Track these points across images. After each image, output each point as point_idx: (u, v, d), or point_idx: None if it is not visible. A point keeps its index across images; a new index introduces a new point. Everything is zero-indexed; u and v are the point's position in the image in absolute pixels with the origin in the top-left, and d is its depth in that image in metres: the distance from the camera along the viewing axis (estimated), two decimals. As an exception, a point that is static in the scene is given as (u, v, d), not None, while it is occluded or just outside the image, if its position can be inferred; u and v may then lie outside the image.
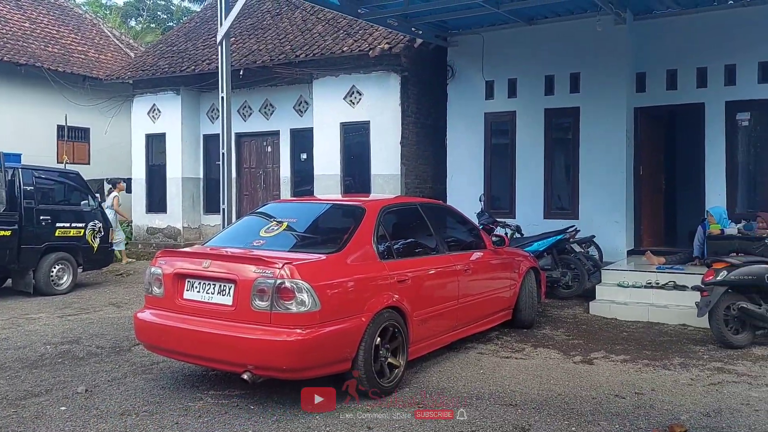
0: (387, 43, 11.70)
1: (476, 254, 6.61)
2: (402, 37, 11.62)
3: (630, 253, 10.08)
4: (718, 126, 9.97)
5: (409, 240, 6.04)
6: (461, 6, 10.04)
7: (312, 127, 12.87)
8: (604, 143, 10.24)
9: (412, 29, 11.16)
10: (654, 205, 11.06)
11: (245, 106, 14.20)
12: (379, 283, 5.08)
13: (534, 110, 11.01)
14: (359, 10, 10.09)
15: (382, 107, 12.09)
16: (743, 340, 6.37)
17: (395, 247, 5.61)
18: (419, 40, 11.65)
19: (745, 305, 6.32)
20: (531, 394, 4.97)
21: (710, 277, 6.46)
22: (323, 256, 4.91)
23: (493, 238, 7.05)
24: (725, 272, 6.40)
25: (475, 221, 9.34)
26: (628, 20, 10.13)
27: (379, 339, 4.89)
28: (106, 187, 15.25)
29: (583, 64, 10.51)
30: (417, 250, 6.00)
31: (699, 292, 6.58)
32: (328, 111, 12.63)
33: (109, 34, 20.82)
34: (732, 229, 8.50)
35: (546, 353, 6.21)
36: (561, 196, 10.97)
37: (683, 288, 7.72)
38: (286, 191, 13.72)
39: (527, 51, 11.03)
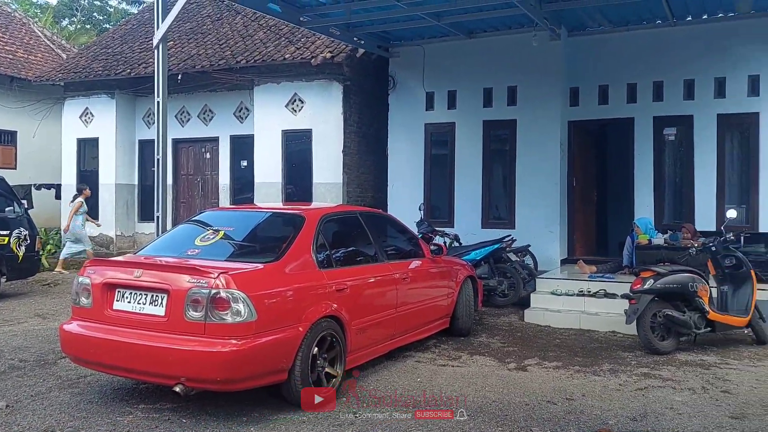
0: (329, 51, 11.70)
1: (415, 263, 6.67)
2: (344, 46, 11.65)
3: (563, 262, 10.38)
4: (646, 140, 10.42)
5: (348, 249, 6.04)
6: (403, 18, 10.17)
7: (253, 134, 12.74)
8: (540, 155, 10.53)
9: (354, 39, 11.21)
10: (586, 216, 11.44)
11: (183, 112, 13.91)
12: (318, 293, 5.05)
13: (473, 122, 11.22)
14: (301, 18, 10.06)
15: (324, 115, 12.08)
16: (668, 346, 6.62)
17: (335, 255, 5.60)
18: (361, 50, 11.70)
19: (670, 312, 6.58)
20: (466, 401, 5.03)
21: (638, 286, 6.70)
22: (260, 266, 4.85)
23: (432, 247, 7.13)
24: (652, 281, 6.66)
25: (415, 230, 9.43)
26: (563, 36, 10.46)
27: (316, 348, 4.85)
28: (35, 192, 14.62)
29: (519, 77, 10.78)
30: (356, 259, 6.01)
31: (627, 300, 6.82)
32: (269, 118, 12.52)
33: (39, 34, 20.00)
34: (659, 240, 8.88)
35: (482, 361, 6.31)
36: (499, 206, 11.20)
37: (613, 296, 7.99)
38: (225, 199, 13.50)
39: (467, 63, 11.25)
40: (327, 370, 4.99)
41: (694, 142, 10.08)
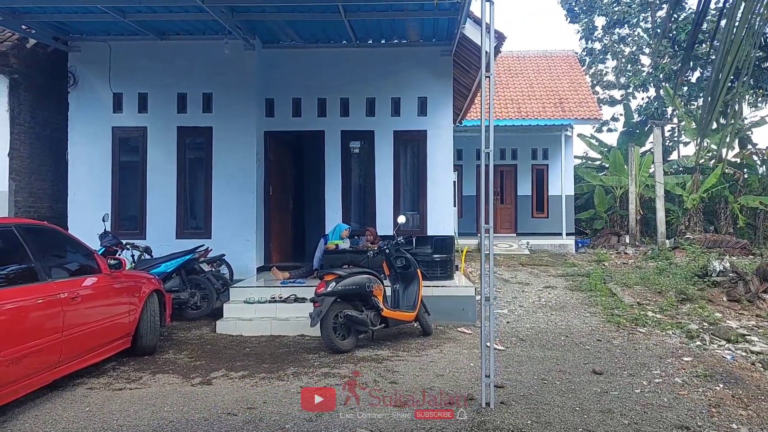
0: (-10, 38, 10.10)
1: (89, 280, 6.09)
2: (11, 33, 10.15)
3: (260, 270, 10.46)
4: (335, 152, 11.09)
5: (-1, 268, 5.22)
6: (81, 9, 9.26)
7: None
8: (236, 164, 10.48)
9: (23, 27, 9.83)
10: (282, 224, 11.74)
11: None
12: (-49, 322, 4.24)
13: (166, 127, 10.70)
14: (-53, -4, 8.48)
15: (-16, 112, 10.36)
16: (349, 345, 7.08)
17: (-22, 277, 4.77)
18: (33, 40, 10.32)
19: (350, 312, 7.05)
20: (141, 426, 4.70)
21: (322, 289, 7.05)
22: None
23: (110, 261, 6.55)
24: (334, 283, 7.06)
25: (97, 244, 8.65)
26: (257, 47, 10.59)
27: (-53, 390, 4.07)
28: None
29: (215, 84, 10.62)
30: (9, 280, 5.20)
31: (313, 304, 7.13)
32: None
33: None
34: (345, 244, 9.50)
35: (165, 379, 5.98)
36: (195, 216, 10.86)
37: (303, 300, 8.30)
38: None
39: (159, 66, 10.71)
40: (-37, 413, 4.22)
41: (375, 156, 11.02)
